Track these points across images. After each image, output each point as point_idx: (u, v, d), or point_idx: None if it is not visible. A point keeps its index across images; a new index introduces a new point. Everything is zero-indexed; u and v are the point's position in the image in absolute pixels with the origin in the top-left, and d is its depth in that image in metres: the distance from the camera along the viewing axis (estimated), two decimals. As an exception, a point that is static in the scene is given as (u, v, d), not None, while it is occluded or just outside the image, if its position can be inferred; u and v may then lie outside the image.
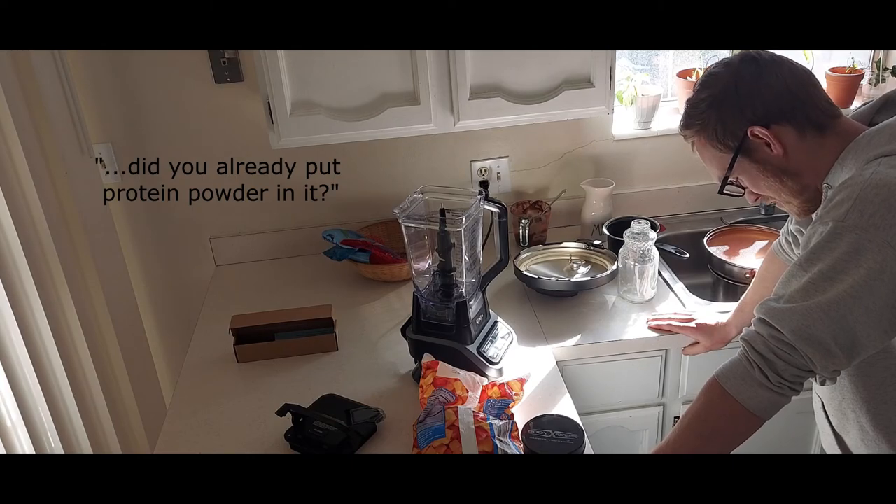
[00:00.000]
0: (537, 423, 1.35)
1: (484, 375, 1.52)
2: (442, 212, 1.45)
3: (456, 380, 1.45)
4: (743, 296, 1.63)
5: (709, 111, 1.16)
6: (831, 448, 1.32)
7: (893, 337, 1.04)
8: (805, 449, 1.90)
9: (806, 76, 1.14)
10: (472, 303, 1.52)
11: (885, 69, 2.23)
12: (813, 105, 1.13)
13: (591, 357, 1.71)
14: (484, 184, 2.16)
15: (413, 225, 1.49)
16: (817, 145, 1.13)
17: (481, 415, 1.38)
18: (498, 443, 1.31)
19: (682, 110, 1.23)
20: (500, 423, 1.36)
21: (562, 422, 1.35)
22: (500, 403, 1.43)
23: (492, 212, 1.55)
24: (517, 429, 1.38)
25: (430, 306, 1.52)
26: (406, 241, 1.52)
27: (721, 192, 1.22)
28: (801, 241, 1.18)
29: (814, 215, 1.17)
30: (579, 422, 1.38)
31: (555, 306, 1.84)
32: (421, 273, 1.57)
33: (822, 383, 1.08)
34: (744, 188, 1.22)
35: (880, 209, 0.99)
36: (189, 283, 2.18)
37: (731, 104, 1.14)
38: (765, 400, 1.09)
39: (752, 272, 1.77)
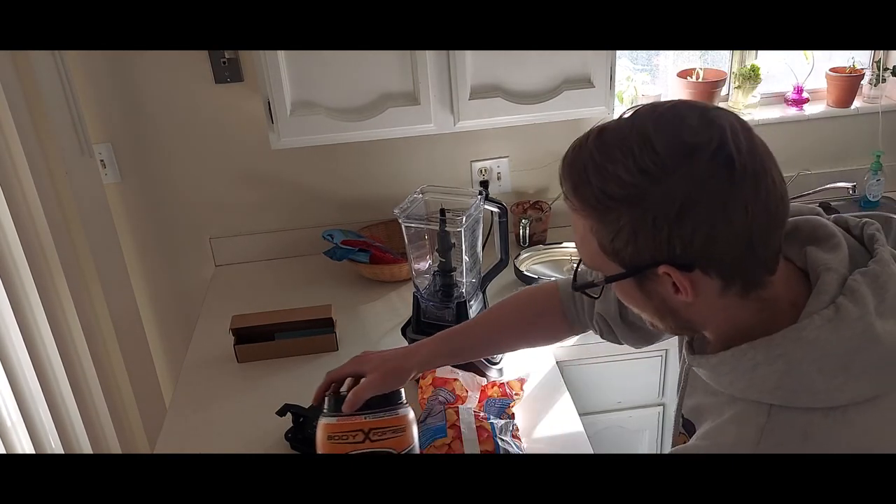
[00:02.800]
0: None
1: (484, 375, 1.52)
2: (442, 212, 1.45)
3: (455, 380, 1.45)
4: (464, 325, 1.24)
5: (627, 211, 0.75)
6: None
7: None
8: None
9: (782, 209, 0.76)
10: (472, 303, 1.52)
11: (885, 69, 2.23)
12: (762, 259, 0.77)
13: (591, 357, 1.71)
14: (484, 184, 2.16)
15: (413, 225, 1.49)
16: (728, 306, 0.79)
17: (482, 414, 1.38)
18: (500, 442, 1.31)
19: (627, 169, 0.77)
20: (501, 422, 1.36)
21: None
22: (501, 403, 1.43)
23: (492, 212, 1.55)
24: (518, 429, 1.39)
25: (431, 306, 1.52)
26: (406, 241, 1.52)
27: (576, 288, 0.90)
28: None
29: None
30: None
31: (555, 306, 1.84)
32: (421, 273, 1.57)
33: None
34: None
35: None
36: (189, 283, 2.18)
37: (660, 227, 0.73)
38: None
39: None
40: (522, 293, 1.25)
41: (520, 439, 1.37)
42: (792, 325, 0.76)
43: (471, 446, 1.29)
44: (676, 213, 0.72)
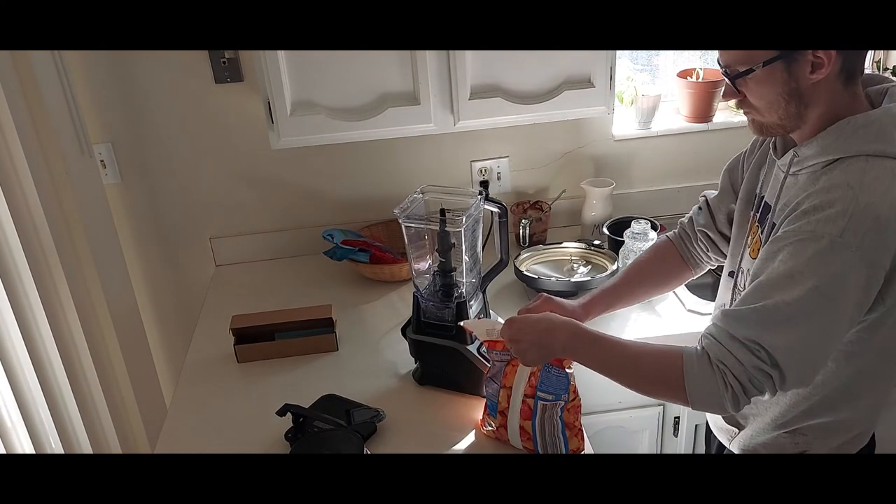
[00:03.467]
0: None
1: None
2: (442, 212, 1.45)
3: (499, 341, 1.39)
4: (610, 282, 1.51)
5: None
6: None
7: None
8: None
9: None
10: (472, 303, 1.52)
11: (885, 69, 2.23)
12: (861, 61, 1.09)
13: (592, 357, 1.71)
14: (484, 184, 2.16)
15: (413, 225, 1.49)
16: (836, 92, 1.08)
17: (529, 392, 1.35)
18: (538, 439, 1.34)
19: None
20: (557, 402, 1.32)
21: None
22: (558, 376, 1.34)
23: (492, 212, 1.55)
24: (580, 420, 1.35)
25: (431, 306, 1.52)
26: (406, 241, 1.52)
27: (732, 81, 1.11)
28: (777, 231, 1.10)
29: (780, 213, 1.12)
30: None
31: (555, 306, 1.84)
32: (421, 273, 1.57)
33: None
34: (737, 89, 1.12)
35: (873, 227, 1.00)
36: (189, 283, 2.18)
37: None
38: (716, 409, 1.11)
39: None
40: (645, 254, 1.54)
41: (581, 436, 1.35)
42: (883, 107, 1.08)
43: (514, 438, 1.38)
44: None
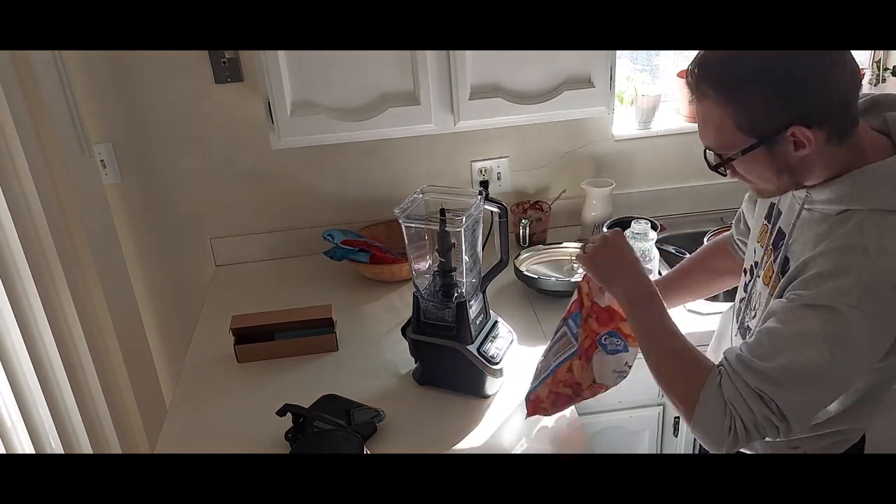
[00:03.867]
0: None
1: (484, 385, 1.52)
2: (442, 212, 1.45)
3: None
4: (675, 270, 1.54)
5: (755, 87, 1.00)
6: None
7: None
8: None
9: (859, 75, 1.04)
10: (472, 303, 1.52)
11: (886, 69, 2.23)
12: (851, 112, 1.03)
13: (592, 357, 1.71)
14: (484, 184, 2.16)
15: (413, 225, 1.49)
16: (832, 154, 1.04)
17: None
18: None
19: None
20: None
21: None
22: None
23: (492, 212, 1.55)
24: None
25: (431, 306, 1.52)
26: (406, 241, 1.52)
27: (714, 168, 1.11)
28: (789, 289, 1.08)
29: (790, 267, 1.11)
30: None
31: (555, 306, 1.84)
32: (421, 273, 1.57)
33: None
34: (724, 173, 1.12)
35: (889, 296, 0.99)
36: (189, 283, 2.18)
37: (785, 91, 0.99)
38: (717, 446, 1.09)
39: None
40: (706, 247, 1.54)
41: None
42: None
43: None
44: (795, 79, 0.98)
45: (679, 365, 1.14)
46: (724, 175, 1.12)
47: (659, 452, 1.88)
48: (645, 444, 1.85)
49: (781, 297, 1.08)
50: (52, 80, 1.77)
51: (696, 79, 1.05)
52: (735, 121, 1.03)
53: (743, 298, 1.29)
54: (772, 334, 1.05)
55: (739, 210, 1.44)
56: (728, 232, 1.49)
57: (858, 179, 1.03)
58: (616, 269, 1.26)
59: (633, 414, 1.80)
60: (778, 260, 1.16)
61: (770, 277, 1.18)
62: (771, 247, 1.20)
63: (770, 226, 1.22)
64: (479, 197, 1.50)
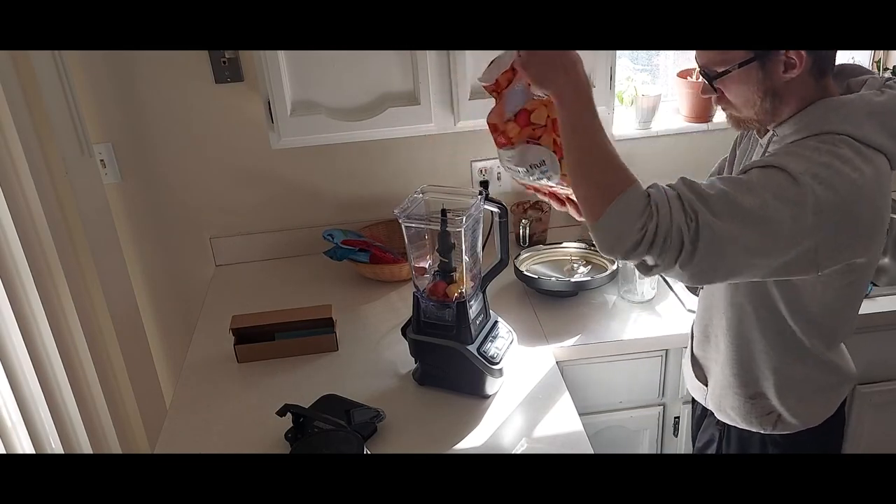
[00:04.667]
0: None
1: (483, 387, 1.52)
2: (443, 212, 1.45)
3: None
4: None
5: None
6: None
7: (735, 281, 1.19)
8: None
9: None
10: (472, 303, 1.52)
11: (885, 69, 2.23)
12: (832, 56, 1.15)
13: (592, 357, 1.71)
14: (484, 184, 2.16)
15: (413, 225, 1.49)
16: (808, 87, 1.15)
17: None
18: None
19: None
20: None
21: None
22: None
23: (492, 212, 1.55)
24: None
25: (431, 306, 1.52)
26: (406, 241, 1.52)
27: (710, 81, 1.17)
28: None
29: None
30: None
31: (555, 306, 1.84)
32: (421, 273, 1.57)
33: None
34: (714, 88, 1.18)
35: (828, 186, 1.06)
36: (189, 283, 2.18)
37: None
38: (617, 248, 1.10)
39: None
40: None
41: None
42: (859, 93, 1.14)
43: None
44: None
45: (606, 163, 1.14)
46: (715, 92, 1.19)
47: (659, 452, 1.88)
48: (645, 444, 1.85)
49: None
50: (52, 80, 1.77)
51: None
52: None
53: None
54: (724, 176, 1.13)
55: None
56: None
57: (817, 109, 1.14)
58: (552, 65, 1.17)
59: (633, 414, 1.80)
60: None
61: None
62: None
63: None
64: (480, 197, 1.50)
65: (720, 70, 1.15)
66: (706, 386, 1.42)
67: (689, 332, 1.49)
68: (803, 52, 1.10)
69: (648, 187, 1.12)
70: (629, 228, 1.07)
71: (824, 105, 1.14)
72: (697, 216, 1.06)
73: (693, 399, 1.52)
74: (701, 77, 1.20)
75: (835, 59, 1.17)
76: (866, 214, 1.10)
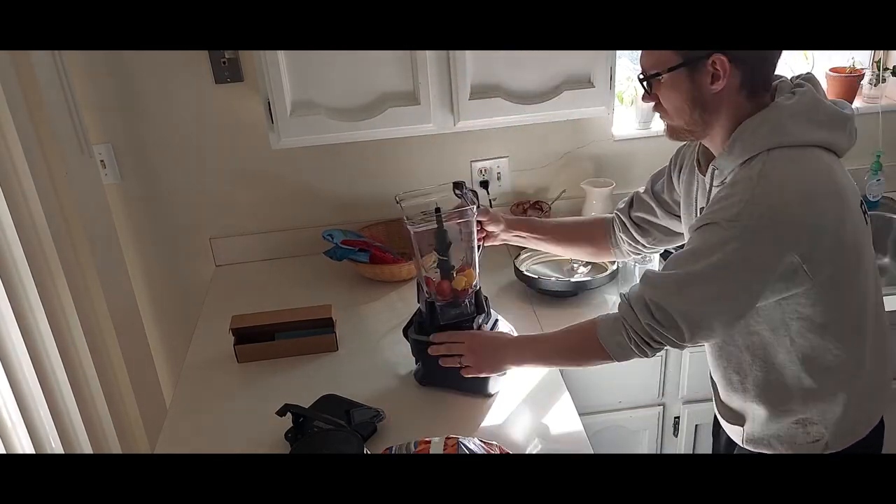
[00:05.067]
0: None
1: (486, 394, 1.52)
2: (437, 210, 1.45)
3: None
4: (542, 221, 1.70)
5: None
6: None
7: (736, 326, 1.22)
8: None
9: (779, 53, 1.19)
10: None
11: (886, 69, 2.23)
12: (766, 69, 1.17)
13: (592, 357, 1.71)
14: (484, 184, 2.16)
15: (422, 229, 1.47)
16: (738, 104, 1.16)
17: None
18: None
19: None
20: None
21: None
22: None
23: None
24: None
25: (446, 307, 1.51)
26: (417, 250, 1.49)
27: (644, 82, 1.21)
28: (686, 220, 1.32)
29: (698, 212, 1.27)
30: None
31: (555, 306, 1.84)
32: (432, 280, 1.56)
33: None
34: (650, 91, 1.22)
35: (765, 214, 1.09)
36: (189, 283, 2.18)
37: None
38: (630, 356, 1.27)
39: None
40: (584, 218, 1.79)
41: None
42: (771, 104, 1.16)
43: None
44: None
45: (572, 341, 1.37)
46: (649, 93, 1.22)
47: (659, 452, 1.88)
48: (645, 444, 1.85)
49: None
50: (52, 80, 1.77)
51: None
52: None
53: None
54: (672, 256, 1.21)
55: (637, 195, 1.55)
56: (611, 215, 1.61)
57: (744, 132, 1.16)
58: (498, 355, 1.46)
59: (633, 414, 1.80)
60: None
61: None
62: None
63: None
64: (460, 192, 1.52)
65: (651, 73, 1.18)
66: (743, 426, 1.35)
67: (710, 383, 1.43)
68: (727, 65, 1.11)
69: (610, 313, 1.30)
70: (625, 344, 1.25)
71: (746, 128, 1.16)
72: (662, 306, 1.17)
73: (716, 433, 1.50)
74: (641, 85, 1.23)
75: (769, 79, 1.18)
76: (811, 209, 1.10)
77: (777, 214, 1.09)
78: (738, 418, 1.35)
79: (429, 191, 1.56)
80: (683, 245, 1.22)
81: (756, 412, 1.30)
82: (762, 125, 1.14)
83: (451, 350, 1.47)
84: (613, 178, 2.13)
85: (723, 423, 1.42)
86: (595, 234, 1.61)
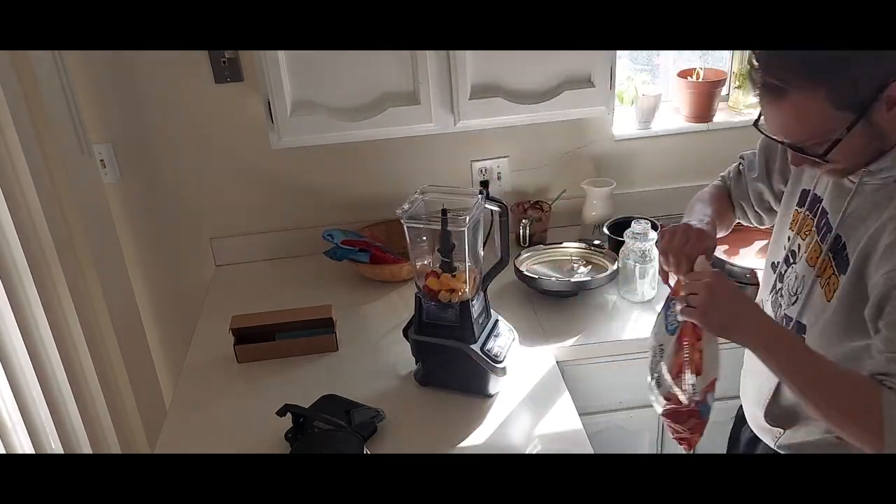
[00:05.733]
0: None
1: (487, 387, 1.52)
2: (444, 212, 1.45)
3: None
4: (706, 212, 1.39)
5: (837, 62, 0.97)
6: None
7: None
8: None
9: None
10: (474, 302, 1.52)
11: None
12: None
13: (592, 357, 1.71)
14: (484, 184, 2.16)
15: (416, 226, 1.49)
16: None
17: None
18: None
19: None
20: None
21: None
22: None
23: (492, 211, 1.55)
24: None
25: (433, 307, 1.52)
26: (408, 242, 1.52)
27: (822, 158, 1.04)
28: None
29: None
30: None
31: (555, 306, 1.84)
32: (423, 273, 1.57)
33: None
34: (827, 160, 1.05)
35: None
36: (189, 283, 2.18)
37: (874, 56, 0.96)
38: None
39: (753, 272, 1.77)
40: (714, 194, 1.45)
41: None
42: None
43: None
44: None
45: (841, 392, 1.05)
46: (825, 162, 1.06)
47: (659, 453, 1.88)
48: (645, 445, 1.85)
49: (865, 279, 1.06)
50: (52, 80, 1.77)
51: (768, 71, 1.01)
52: (831, 100, 0.99)
53: (776, 289, 1.27)
54: None
55: (740, 163, 1.43)
56: (718, 183, 1.48)
57: None
58: (737, 317, 1.12)
59: (633, 414, 1.79)
60: (826, 239, 1.15)
61: (816, 258, 1.16)
62: (814, 228, 1.18)
63: (807, 212, 1.21)
64: (480, 196, 1.50)
65: (826, 145, 1.03)
66: (782, 429, 1.27)
67: (743, 384, 1.35)
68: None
69: (887, 390, 1.00)
70: None
71: None
72: None
73: (736, 435, 1.46)
74: (797, 154, 1.08)
75: None
76: None
77: None
78: (782, 423, 1.26)
79: (452, 189, 1.57)
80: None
81: (809, 423, 1.22)
82: None
83: (690, 280, 1.19)
84: (614, 178, 2.13)
85: (761, 424, 1.32)
86: (727, 210, 1.44)
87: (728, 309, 1.12)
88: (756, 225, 1.46)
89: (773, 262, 1.30)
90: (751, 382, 1.35)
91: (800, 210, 1.24)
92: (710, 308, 1.12)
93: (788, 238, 1.26)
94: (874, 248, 1.06)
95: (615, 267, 1.85)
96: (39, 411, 1.74)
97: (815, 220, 1.19)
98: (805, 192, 1.23)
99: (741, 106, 2.21)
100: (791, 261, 1.24)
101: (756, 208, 1.41)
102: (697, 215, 1.35)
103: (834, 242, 1.13)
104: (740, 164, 1.44)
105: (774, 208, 1.36)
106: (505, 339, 1.59)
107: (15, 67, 1.66)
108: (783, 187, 1.32)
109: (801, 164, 1.11)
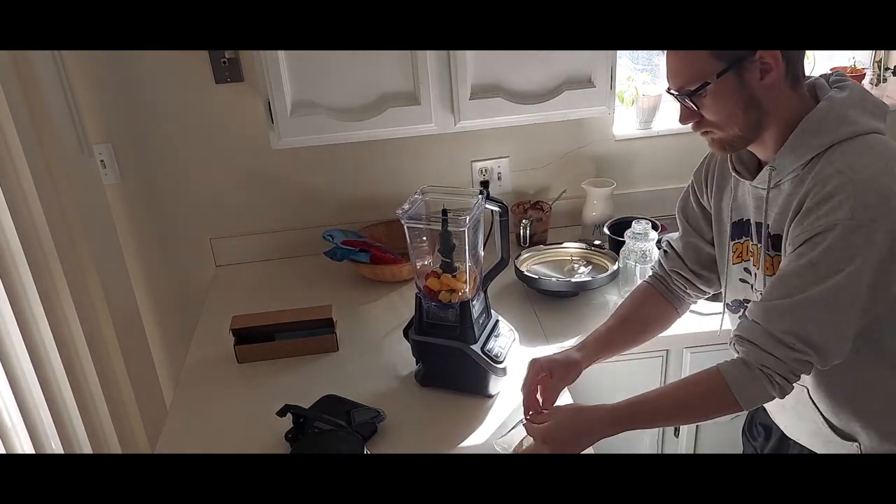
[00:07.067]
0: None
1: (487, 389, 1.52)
2: (444, 212, 1.45)
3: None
4: (600, 330, 1.47)
5: None
6: (812, 435, 1.31)
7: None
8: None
9: None
10: (474, 302, 1.52)
11: (886, 69, 2.23)
12: (802, 58, 1.13)
13: (592, 357, 1.71)
14: (484, 184, 2.16)
15: (416, 226, 1.49)
16: (786, 96, 1.11)
17: None
18: None
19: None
20: None
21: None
22: None
23: (492, 211, 1.55)
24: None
25: (433, 307, 1.52)
26: (408, 242, 1.52)
27: (690, 99, 1.12)
28: (791, 242, 1.12)
29: (790, 223, 1.13)
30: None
31: (555, 306, 1.84)
32: (423, 274, 1.57)
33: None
34: (695, 108, 1.13)
35: (879, 203, 1.03)
36: (189, 283, 2.18)
37: None
38: (767, 402, 1.15)
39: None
40: (627, 301, 1.50)
41: None
42: (824, 98, 1.11)
43: None
44: None
45: (694, 397, 1.20)
46: (695, 109, 1.13)
47: (659, 452, 1.88)
48: (645, 445, 1.85)
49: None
50: (52, 80, 1.77)
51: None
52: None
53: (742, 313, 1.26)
54: (781, 275, 1.11)
55: (665, 244, 1.46)
56: (648, 280, 1.49)
57: (807, 128, 1.10)
58: (578, 440, 1.32)
59: (633, 414, 1.79)
60: (765, 244, 1.20)
61: (770, 266, 1.20)
62: (755, 244, 1.23)
63: (744, 239, 1.26)
64: (481, 196, 1.50)
65: (696, 86, 1.10)
66: (851, 442, 1.24)
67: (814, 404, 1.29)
68: (778, 55, 1.06)
69: (736, 352, 1.16)
70: (764, 393, 1.12)
71: (809, 123, 1.10)
72: (799, 335, 1.07)
73: (750, 432, 1.48)
74: (679, 102, 1.15)
75: (804, 70, 1.13)
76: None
77: (885, 195, 1.02)
78: (848, 436, 1.25)
79: (453, 189, 1.57)
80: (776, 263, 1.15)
81: (871, 430, 1.22)
82: (826, 117, 1.09)
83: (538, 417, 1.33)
84: (614, 178, 2.13)
85: (823, 435, 1.29)
86: (656, 312, 1.46)
87: (570, 439, 1.31)
88: (702, 292, 1.42)
89: (734, 301, 1.33)
90: (789, 422, 1.35)
91: (738, 241, 1.27)
92: (550, 436, 1.29)
93: (745, 270, 1.28)
94: (792, 222, 1.12)
95: (616, 267, 1.85)
96: (39, 411, 1.74)
97: (752, 238, 1.24)
98: (734, 225, 1.27)
99: (741, 106, 2.21)
100: (751, 282, 1.27)
101: (694, 268, 1.39)
102: (590, 336, 1.46)
103: (773, 243, 1.18)
104: (665, 247, 1.46)
105: (715, 257, 1.36)
106: (505, 340, 1.59)
107: (15, 67, 1.66)
108: (711, 233, 1.36)
109: (687, 121, 1.17)
